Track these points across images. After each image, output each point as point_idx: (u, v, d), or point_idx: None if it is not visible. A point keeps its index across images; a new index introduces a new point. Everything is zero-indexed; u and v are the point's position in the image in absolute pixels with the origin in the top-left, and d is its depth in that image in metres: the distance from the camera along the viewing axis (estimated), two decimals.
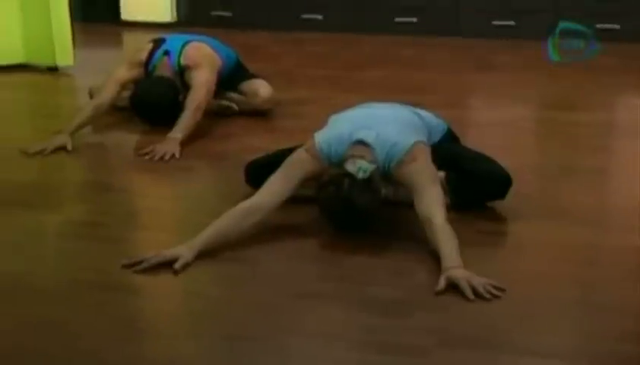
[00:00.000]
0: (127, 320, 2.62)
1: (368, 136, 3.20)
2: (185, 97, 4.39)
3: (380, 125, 3.26)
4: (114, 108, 4.51)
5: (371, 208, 3.12)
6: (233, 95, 4.77)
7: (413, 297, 2.73)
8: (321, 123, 3.46)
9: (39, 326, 2.57)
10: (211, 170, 4.11)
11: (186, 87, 4.43)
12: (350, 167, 3.09)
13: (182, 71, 4.46)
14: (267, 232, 3.20)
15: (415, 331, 2.53)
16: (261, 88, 4.78)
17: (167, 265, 2.90)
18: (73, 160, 4.10)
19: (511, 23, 7.03)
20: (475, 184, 3.36)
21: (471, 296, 2.69)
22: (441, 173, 3.32)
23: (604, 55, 6.48)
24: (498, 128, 4.64)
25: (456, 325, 2.56)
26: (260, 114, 4.72)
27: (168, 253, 2.94)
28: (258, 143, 4.21)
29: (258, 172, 3.42)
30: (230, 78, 4.70)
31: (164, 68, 4.45)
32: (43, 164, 4.03)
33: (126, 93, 4.50)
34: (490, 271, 2.83)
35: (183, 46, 4.51)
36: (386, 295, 2.75)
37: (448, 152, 3.43)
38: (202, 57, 4.50)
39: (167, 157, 4.05)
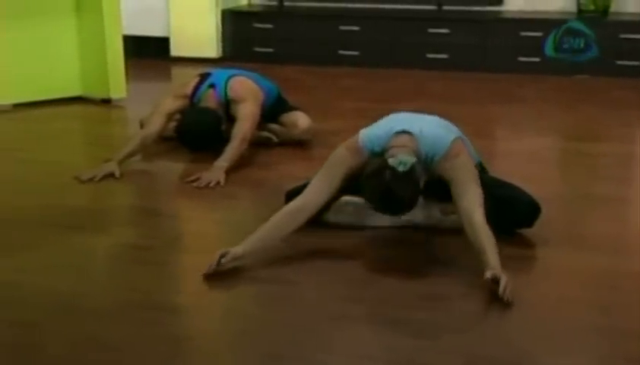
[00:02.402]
0: (171, 338, 2.60)
1: (411, 128, 3.20)
2: (227, 127, 4.38)
3: (423, 123, 3.26)
4: (161, 138, 4.50)
5: (411, 199, 3.07)
6: (274, 126, 4.75)
7: (441, 320, 2.70)
8: None
9: (88, 343, 2.56)
10: (252, 196, 4.09)
11: (230, 119, 4.42)
12: (392, 160, 3.04)
13: (228, 104, 4.45)
14: (304, 255, 3.17)
15: (443, 352, 2.50)
16: (300, 119, 4.76)
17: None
18: (122, 186, 4.10)
19: (537, 60, 6.98)
20: (505, 212, 3.28)
21: (501, 294, 2.73)
22: None
23: (624, 89, 6.40)
24: (523, 157, 4.59)
25: (482, 347, 2.52)
26: (298, 144, 4.70)
27: (225, 250, 3.01)
28: (295, 171, 4.18)
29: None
30: (271, 111, 4.68)
31: (209, 100, 4.44)
32: (95, 190, 4.03)
33: (172, 124, 4.50)
34: (516, 294, 2.78)
35: (228, 79, 4.49)
36: (416, 317, 2.71)
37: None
38: (247, 91, 4.49)
39: (212, 184, 4.03)
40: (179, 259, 3.32)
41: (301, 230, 3.19)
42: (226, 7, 7.76)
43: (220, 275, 3.02)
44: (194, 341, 2.62)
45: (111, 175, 4.14)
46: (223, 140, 4.33)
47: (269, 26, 7.71)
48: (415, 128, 3.20)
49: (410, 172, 3.02)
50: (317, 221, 3.32)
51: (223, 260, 2.98)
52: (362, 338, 2.60)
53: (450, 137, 3.21)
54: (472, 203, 3.03)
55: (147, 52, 7.74)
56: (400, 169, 3.01)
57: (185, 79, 4.69)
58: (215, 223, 3.78)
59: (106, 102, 5.92)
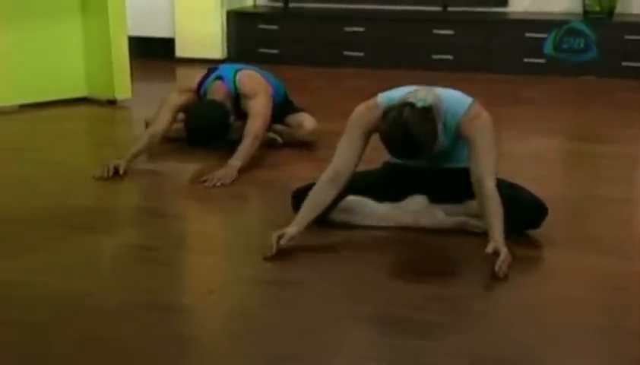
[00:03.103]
0: (177, 337, 2.60)
1: (430, 89, 3.29)
2: (235, 120, 4.35)
3: (440, 88, 3.36)
4: (167, 139, 4.49)
5: (426, 138, 3.09)
6: (279, 127, 4.74)
7: (447, 320, 2.70)
8: None
9: (94, 342, 2.57)
10: (258, 197, 4.09)
11: (240, 113, 4.39)
12: (411, 97, 3.13)
13: (238, 97, 4.42)
14: (309, 255, 3.18)
15: (449, 353, 2.50)
16: (306, 121, 4.75)
17: None
18: (129, 187, 4.11)
19: (542, 61, 6.98)
20: (512, 212, 3.25)
21: (497, 269, 2.85)
22: None
23: (629, 90, 6.39)
24: (529, 159, 4.59)
25: (489, 348, 2.52)
26: (303, 145, 4.70)
27: (280, 231, 3.09)
28: (301, 172, 4.18)
29: (304, 200, 3.39)
30: (278, 111, 4.66)
31: (217, 92, 4.39)
32: (102, 190, 4.04)
33: (177, 125, 4.48)
34: (522, 295, 2.79)
35: (236, 72, 4.46)
36: (422, 318, 2.71)
37: None
38: (257, 85, 4.44)
39: (218, 184, 4.01)
40: (185, 260, 3.33)
41: (306, 229, 3.20)
42: (231, 8, 7.77)
43: (223, 276, 3.02)
44: (199, 340, 2.63)
45: (117, 170, 4.13)
46: (231, 134, 4.31)
47: (274, 27, 7.72)
48: (434, 89, 3.29)
49: (428, 110, 3.08)
50: (322, 220, 3.32)
51: (281, 241, 3.05)
52: (367, 338, 2.60)
53: (469, 99, 3.29)
54: (485, 169, 3.11)
55: (152, 53, 7.75)
56: (419, 104, 3.07)
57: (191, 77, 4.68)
58: (221, 223, 3.78)
59: (112, 103, 5.93)
